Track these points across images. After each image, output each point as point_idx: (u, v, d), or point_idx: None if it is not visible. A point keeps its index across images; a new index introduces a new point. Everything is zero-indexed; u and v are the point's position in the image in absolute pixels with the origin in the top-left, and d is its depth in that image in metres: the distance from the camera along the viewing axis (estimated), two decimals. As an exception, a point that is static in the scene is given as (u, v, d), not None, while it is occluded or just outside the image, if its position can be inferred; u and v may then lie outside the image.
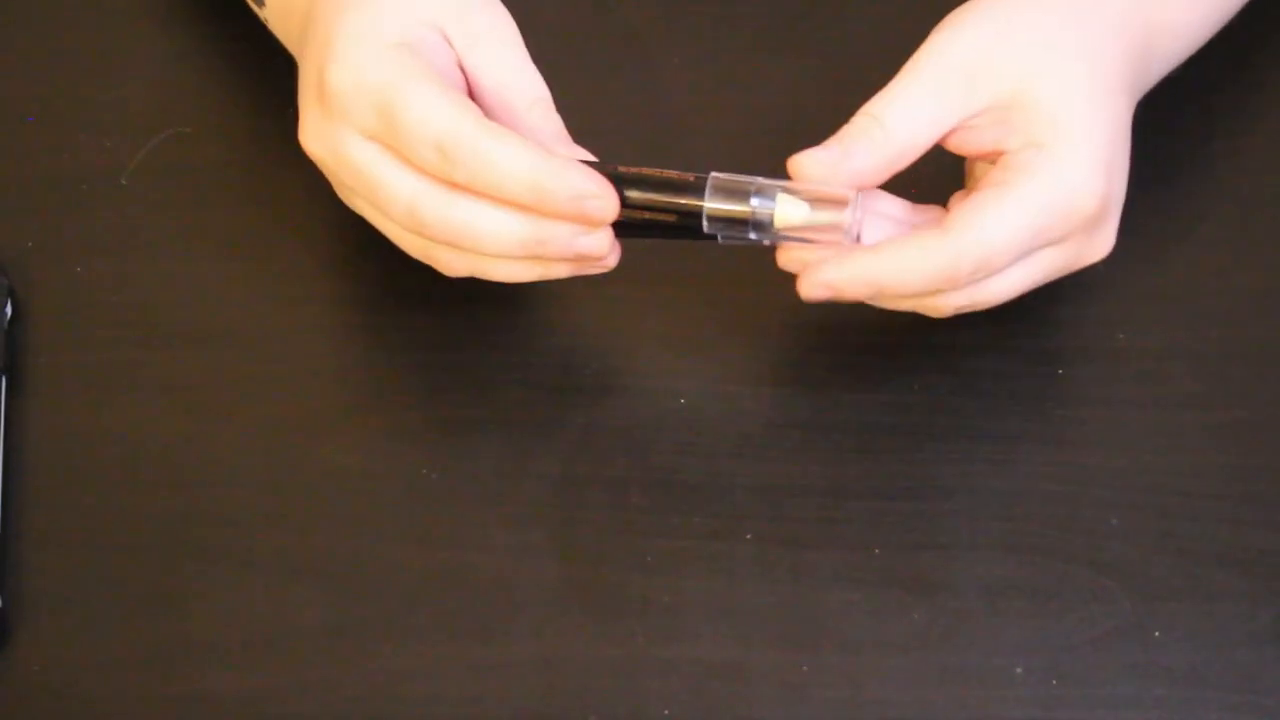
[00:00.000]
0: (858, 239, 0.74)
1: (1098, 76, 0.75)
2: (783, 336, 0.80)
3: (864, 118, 0.74)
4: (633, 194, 0.73)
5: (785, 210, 0.73)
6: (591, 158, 0.76)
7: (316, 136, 0.76)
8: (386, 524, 0.77)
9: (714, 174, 0.74)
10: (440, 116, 0.72)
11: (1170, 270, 0.82)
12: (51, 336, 0.82)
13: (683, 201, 0.73)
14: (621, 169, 0.74)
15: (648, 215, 0.74)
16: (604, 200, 0.72)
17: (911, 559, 0.76)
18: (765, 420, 0.79)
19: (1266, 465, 0.78)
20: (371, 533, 0.77)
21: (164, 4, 0.90)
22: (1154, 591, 0.75)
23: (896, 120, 0.74)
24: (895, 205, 0.77)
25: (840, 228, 0.73)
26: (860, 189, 0.74)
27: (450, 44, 0.76)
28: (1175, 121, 0.83)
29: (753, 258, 0.77)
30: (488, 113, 0.76)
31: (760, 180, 0.73)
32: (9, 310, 0.81)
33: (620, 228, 0.74)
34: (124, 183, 0.86)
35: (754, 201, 0.73)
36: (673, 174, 0.74)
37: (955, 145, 0.75)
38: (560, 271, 0.75)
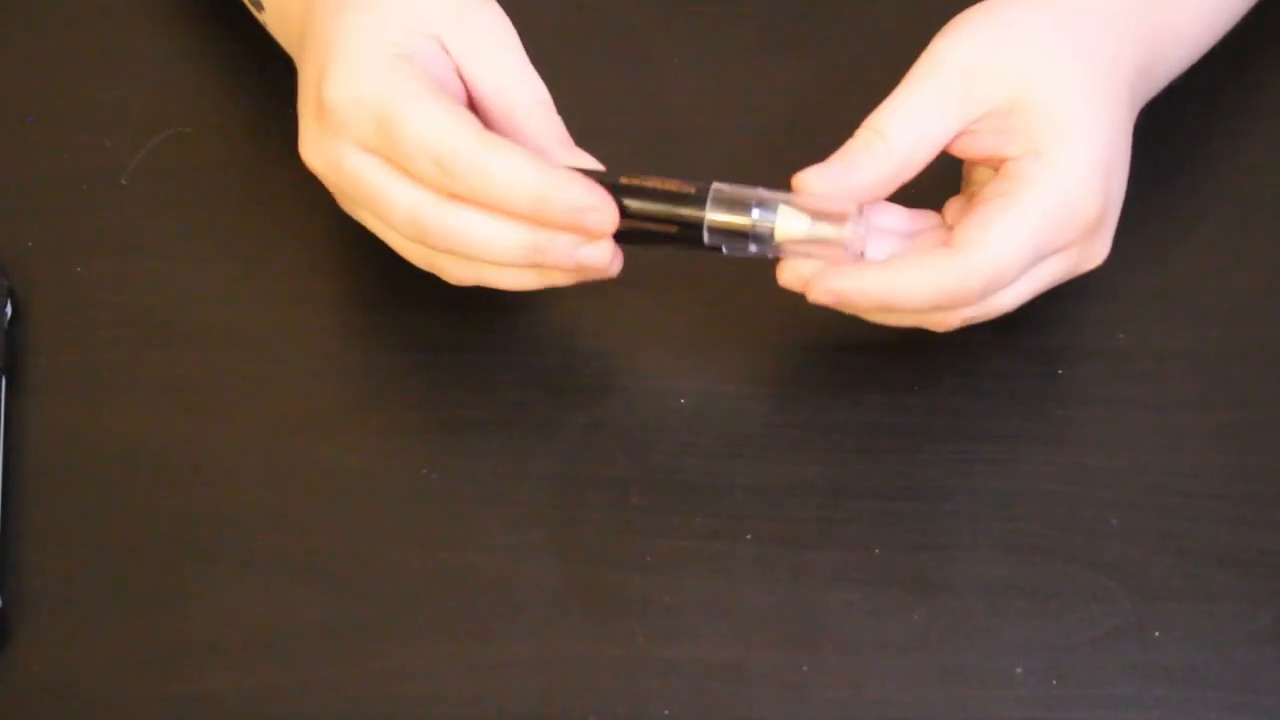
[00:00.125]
0: (861, 254, 0.74)
1: (1098, 82, 0.75)
2: (783, 337, 0.80)
3: (866, 131, 0.74)
4: (633, 204, 0.73)
5: (786, 223, 0.73)
6: (593, 161, 0.76)
7: (316, 151, 0.76)
8: (386, 524, 0.77)
9: (715, 184, 0.73)
10: (438, 129, 0.72)
11: (1170, 270, 0.82)
12: (51, 336, 0.82)
13: (683, 213, 0.73)
14: (623, 180, 0.74)
15: (648, 226, 0.74)
16: (603, 212, 0.72)
17: (911, 559, 0.76)
18: (765, 420, 0.79)
19: (1266, 465, 0.78)
20: (371, 533, 0.77)
21: (164, 4, 0.90)
22: (1154, 591, 0.75)
23: (898, 133, 0.74)
24: (895, 216, 0.77)
25: (841, 242, 0.73)
26: (866, 203, 0.74)
27: (448, 51, 0.76)
28: (1175, 121, 0.83)
29: (752, 259, 0.77)
30: (487, 118, 0.76)
31: (762, 192, 0.73)
32: (9, 310, 0.81)
33: (622, 236, 0.74)
34: (124, 183, 0.86)
35: (755, 214, 0.73)
36: (674, 184, 0.74)
37: (957, 150, 0.75)
38: (562, 280, 0.75)
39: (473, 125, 0.73)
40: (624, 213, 0.73)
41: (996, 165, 0.75)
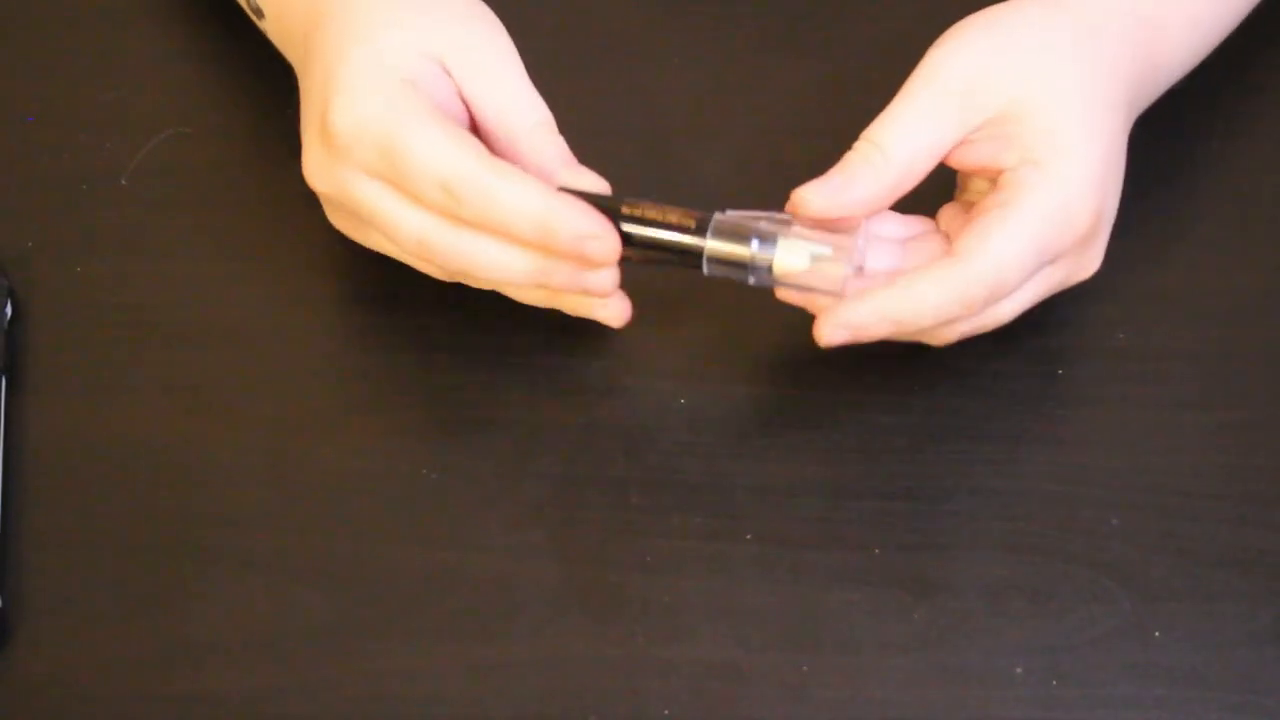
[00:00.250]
0: (860, 269, 0.75)
1: (1096, 93, 0.75)
2: (783, 337, 0.80)
3: (864, 144, 0.74)
4: (634, 231, 0.74)
5: (784, 259, 0.73)
6: (597, 179, 0.76)
7: (322, 176, 0.76)
8: (386, 524, 0.77)
9: (717, 215, 0.74)
10: (444, 155, 0.73)
11: (1170, 270, 0.82)
12: (51, 336, 0.82)
13: (684, 242, 0.74)
14: (625, 209, 0.74)
15: (650, 254, 0.75)
16: (604, 241, 0.73)
17: (911, 559, 0.76)
18: (765, 420, 0.79)
19: (1266, 465, 0.78)
20: (371, 533, 0.77)
21: (164, 4, 0.90)
22: (1154, 591, 0.75)
23: (896, 146, 0.74)
24: (891, 223, 0.77)
25: (839, 279, 0.73)
26: (866, 216, 0.74)
27: (450, 74, 0.76)
28: (1175, 121, 0.83)
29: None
30: (490, 140, 0.76)
31: (763, 225, 0.74)
32: (9, 310, 0.81)
33: (623, 258, 0.74)
34: (124, 183, 0.86)
35: (754, 246, 0.73)
36: (676, 214, 0.74)
37: (953, 161, 0.76)
38: (571, 305, 0.77)
39: (477, 150, 0.73)
40: (626, 239, 0.74)
41: (992, 176, 0.75)
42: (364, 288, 0.82)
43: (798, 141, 0.85)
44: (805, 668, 0.74)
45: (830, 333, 0.74)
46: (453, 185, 0.73)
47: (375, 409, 0.80)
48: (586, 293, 0.75)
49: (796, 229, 0.74)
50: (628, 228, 0.74)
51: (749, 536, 0.77)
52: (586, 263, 0.74)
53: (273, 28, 0.83)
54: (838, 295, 0.74)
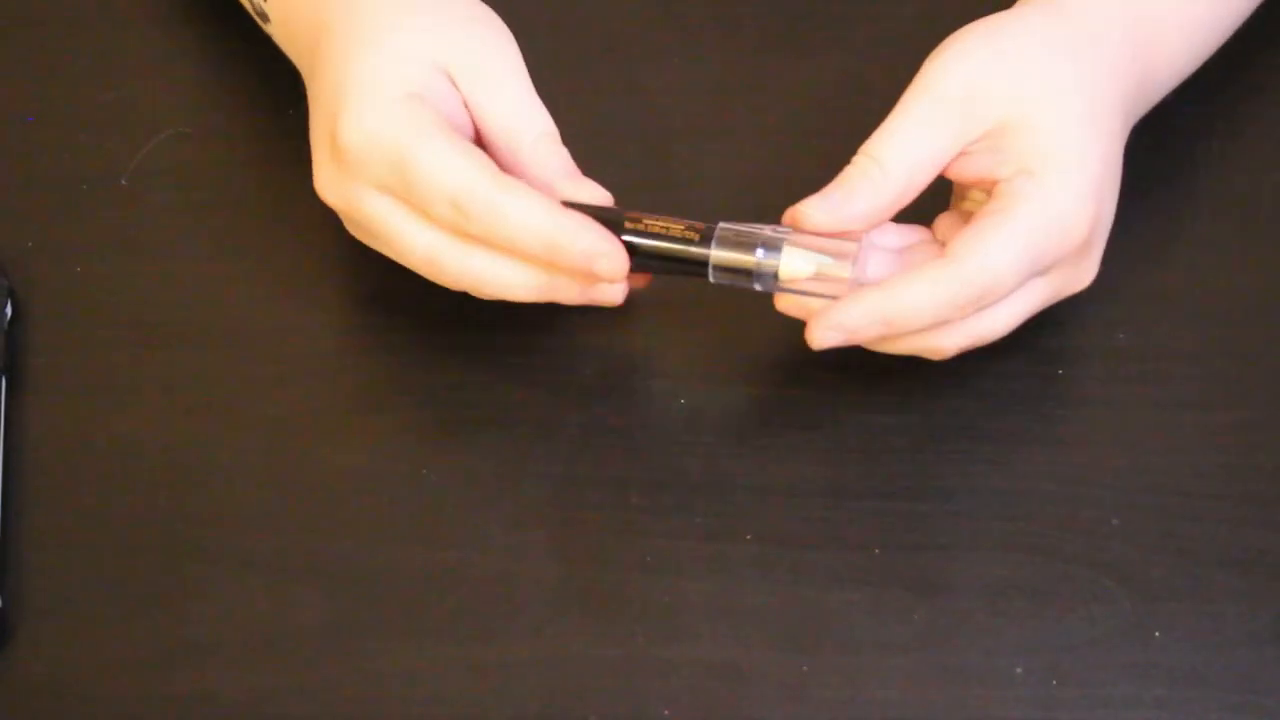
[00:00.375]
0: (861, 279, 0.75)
1: (1093, 104, 0.75)
2: (783, 337, 0.80)
3: (863, 158, 0.74)
4: (639, 244, 0.74)
5: (790, 265, 0.74)
6: (599, 190, 0.76)
7: (332, 189, 0.76)
8: (386, 524, 0.77)
9: (721, 225, 0.74)
10: (453, 172, 0.73)
11: (1170, 270, 0.82)
12: (51, 336, 0.82)
13: (689, 252, 0.74)
14: (629, 222, 0.75)
15: (656, 265, 0.75)
16: (613, 259, 0.73)
17: (911, 559, 0.76)
18: (765, 420, 0.79)
19: (1266, 465, 0.78)
20: (371, 533, 0.77)
21: (164, 4, 0.90)
22: (1154, 591, 0.75)
23: (895, 159, 0.74)
24: (887, 233, 0.77)
25: (845, 283, 0.73)
26: (866, 230, 0.74)
27: (456, 84, 0.76)
28: (1175, 121, 0.83)
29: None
30: (494, 150, 0.76)
31: (767, 232, 0.74)
32: (9, 310, 0.81)
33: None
34: (124, 183, 0.86)
35: (759, 254, 0.74)
36: (680, 225, 0.75)
37: (952, 173, 0.76)
38: (569, 297, 0.77)
39: (487, 167, 0.74)
40: (631, 251, 0.74)
41: (988, 188, 0.75)
42: (364, 288, 0.82)
43: (798, 142, 0.85)
44: (805, 668, 0.74)
45: (822, 335, 0.74)
46: (461, 202, 0.73)
47: (375, 409, 0.80)
48: (595, 304, 0.76)
49: (798, 238, 0.74)
50: (633, 240, 0.74)
51: (749, 536, 0.77)
52: (595, 279, 0.74)
53: (278, 32, 0.83)
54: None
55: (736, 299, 0.77)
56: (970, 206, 0.77)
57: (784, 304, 0.75)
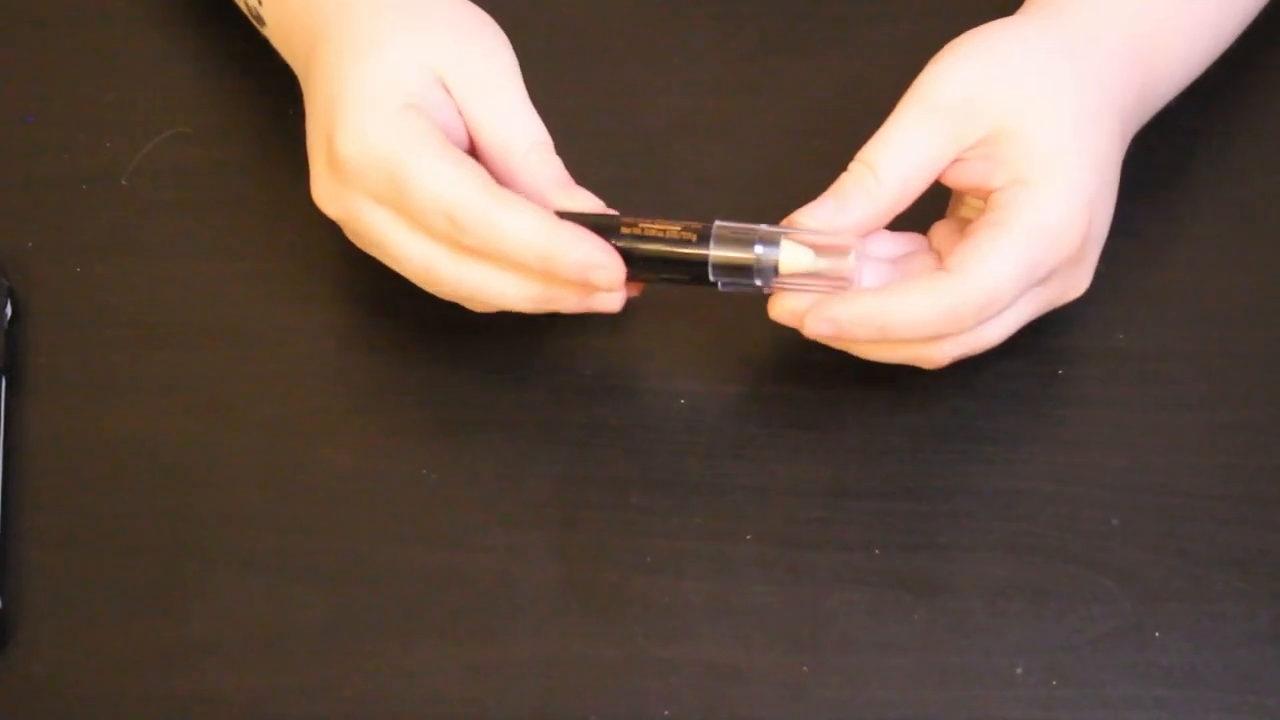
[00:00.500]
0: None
1: (1089, 104, 0.75)
2: (783, 336, 0.80)
3: (858, 166, 0.74)
4: (636, 249, 0.74)
5: (789, 257, 0.73)
6: (592, 199, 0.76)
7: (330, 199, 0.77)
8: (386, 524, 0.77)
9: (718, 223, 0.74)
10: (449, 185, 0.73)
11: (1170, 270, 0.82)
12: (51, 336, 0.82)
13: (687, 253, 0.74)
14: (625, 228, 0.74)
15: (654, 270, 0.75)
16: (610, 270, 0.74)
17: (911, 559, 0.76)
18: (765, 420, 0.79)
19: (1266, 465, 0.78)
20: (371, 533, 0.77)
21: (164, 4, 0.90)
22: (1154, 591, 0.75)
23: (891, 166, 0.74)
24: (882, 242, 0.77)
25: (845, 275, 0.73)
26: (862, 237, 0.74)
27: (450, 92, 0.76)
28: (1176, 121, 0.83)
29: (747, 293, 0.77)
30: (487, 159, 0.76)
31: (763, 229, 0.74)
32: (9, 310, 0.81)
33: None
34: (124, 183, 0.86)
35: (758, 249, 0.74)
36: (676, 228, 0.74)
37: (947, 179, 0.75)
38: (568, 307, 0.76)
39: (482, 180, 0.74)
40: (628, 258, 0.74)
41: (983, 196, 0.75)
42: (364, 288, 0.82)
43: (798, 142, 0.85)
44: (805, 668, 0.74)
45: (814, 324, 0.74)
46: (456, 216, 0.73)
47: (375, 409, 0.80)
48: (593, 312, 0.76)
49: (796, 234, 0.74)
50: (629, 246, 0.74)
51: (749, 536, 0.77)
52: (592, 289, 0.74)
53: (274, 35, 0.83)
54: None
55: (736, 300, 0.77)
56: (967, 213, 0.77)
57: (776, 310, 0.75)
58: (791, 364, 0.80)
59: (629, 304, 0.77)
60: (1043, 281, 0.75)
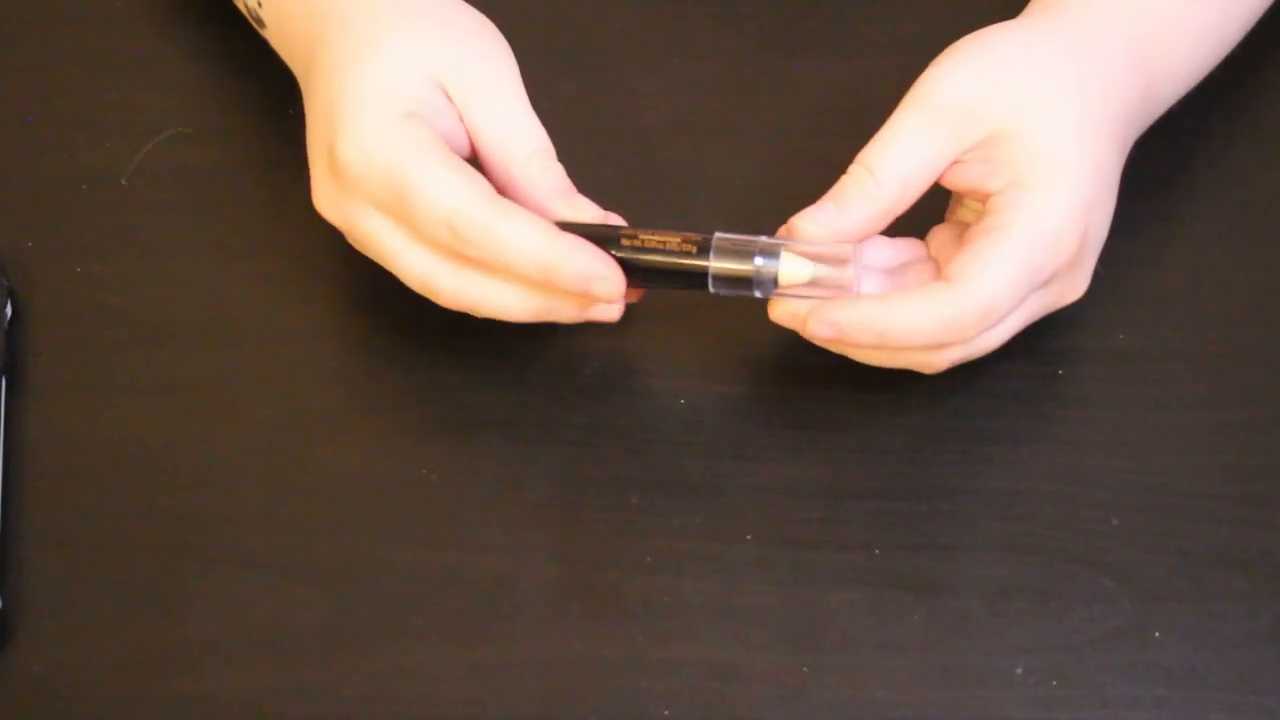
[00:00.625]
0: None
1: (1090, 104, 0.75)
2: (783, 338, 0.80)
3: (858, 169, 0.74)
4: (636, 260, 0.74)
5: (789, 269, 0.74)
6: (592, 207, 0.76)
7: (331, 206, 0.77)
8: (386, 524, 0.77)
9: (718, 234, 0.74)
10: (450, 195, 0.73)
11: (1170, 270, 0.82)
12: (51, 336, 0.82)
13: (687, 264, 0.74)
14: (624, 239, 0.74)
15: (654, 280, 0.75)
16: (610, 281, 0.74)
17: (912, 559, 0.76)
18: (765, 420, 0.79)
19: (1266, 465, 0.78)
20: (371, 533, 0.77)
21: (164, 4, 0.90)
22: (1154, 591, 0.75)
23: (890, 170, 0.74)
24: (880, 249, 0.77)
25: (842, 284, 0.73)
26: (860, 241, 0.74)
27: (451, 99, 0.76)
28: (1175, 122, 0.83)
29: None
30: (488, 166, 0.76)
31: (763, 240, 0.74)
32: (9, 310, 0.81)
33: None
34: (124, 183, 0.86)
35: (757, 261, 0.74)
36: (676, 239, 0.74)
37: (945, 181, 0.75)
38: (567, 318, 0.77)
39: (483, 190, 0.74)
40: (628, 268, 0.74)
41: (981, 198, 0.75)
42: (364, 288, 0.82)
43: (798, 142, 0.85)
44: (805, 668, 0.74)
45: (816, 326, 0.74)
46: (456, 226, 0.73)
47: (375, 409, 0.80)
48: (593, 322, 0.76)
49: (796, 244, 0.74)
50: (629, 257, 0.74)
51: (749, 536, 0.77)
52: (592, 300, 0.74)
53: (274, 37, 0.83)
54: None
55: (736, 301, 0.77)
56: (965, 216, 0.77)
57: (777, 312, 0.75)
58: (791, 365, 0.80)
59: (629, 306, 0.77)
60: (1042, 285, 0.75)
